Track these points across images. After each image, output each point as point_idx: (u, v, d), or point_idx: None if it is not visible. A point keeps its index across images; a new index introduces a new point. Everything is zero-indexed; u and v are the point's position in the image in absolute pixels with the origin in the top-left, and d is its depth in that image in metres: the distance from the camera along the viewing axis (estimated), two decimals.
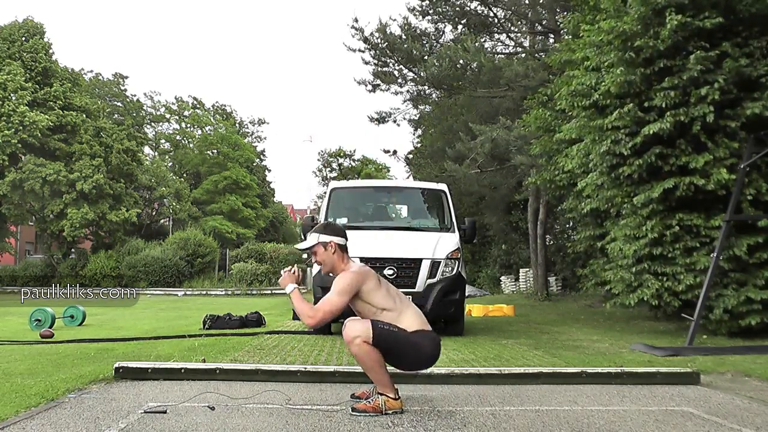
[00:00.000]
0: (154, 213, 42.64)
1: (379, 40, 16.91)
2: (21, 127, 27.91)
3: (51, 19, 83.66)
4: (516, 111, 16.42)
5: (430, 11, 17.82)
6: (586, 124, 8.89)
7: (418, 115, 23.72)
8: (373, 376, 3.53)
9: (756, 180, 7.65)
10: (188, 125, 48.67)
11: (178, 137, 48.80)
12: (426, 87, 18.13)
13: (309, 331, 8.37)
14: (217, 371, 4.54)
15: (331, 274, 3.77)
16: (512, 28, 19.08)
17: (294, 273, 3.70)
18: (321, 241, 3.70)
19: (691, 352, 6.54)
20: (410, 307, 3.71)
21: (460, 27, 17.86)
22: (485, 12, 18.03)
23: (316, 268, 8.35)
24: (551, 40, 17.61)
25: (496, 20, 18.36)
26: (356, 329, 3.47)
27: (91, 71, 43.42)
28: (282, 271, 3.76)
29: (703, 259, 7.58)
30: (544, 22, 17.54)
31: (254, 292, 27.08)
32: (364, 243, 7.59)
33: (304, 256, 3.93)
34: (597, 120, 8.55)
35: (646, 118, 7.89)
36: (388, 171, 49.27)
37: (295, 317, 11.16)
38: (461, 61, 15.48)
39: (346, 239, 3.78)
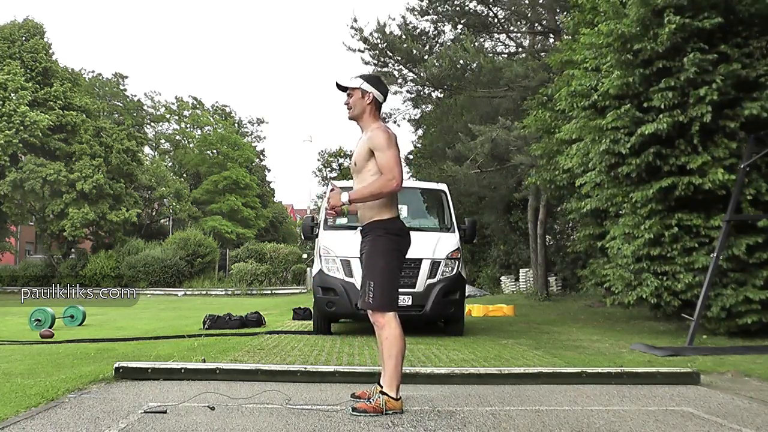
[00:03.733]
0: (154, 213, 42.66)
1: (378, 40, 16.89)
2: (22, 127, 27.94)
3: (51, 19, 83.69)
4: (516, 111, 16.41)
5: (430, 11, 17.82)
6: (586, 124, 8.90)
7: (418, 115, 23.73)
8: (390, 366, 3.49)
9: (756, 180, 7.65)
10: (188, 125, 48.68)
11: (178, 137, 48.82)
12: (426, 87, 18.12)
13: (309, 331, 8.37)
14: (217, 371, 4.54)
15: (356, 120, 3.75)
16: (512, 28, 19.08)
17: (333, 190, 3.68)
18: (363, 87, 3.69)
19: (691, 352, 6.54)
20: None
21: (459, 27, 17.85)
22: (485, 12, 18.03)
23: (316, 268, 8.36)
24: (551, 40, 17.61)
25: (495, 20, 18.35)
26: (386, 316, 3.51)
27: (92, 71, 43.52)
28: (328, 193, 3.67)
29: (702, 258, 7.59)
30: (544, 22, 17.54)
31: (254, 292, 27.10)
32: None
33: (344, 83, 3.73)
34: (596, 120, 8.55)
35: (645, 119, 7.90)
36: None
37: (296, 317, 11.14)
38: (461, 62, 15.47)
39: (385, 99, 3.77)
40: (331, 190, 3.71)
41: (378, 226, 3.60)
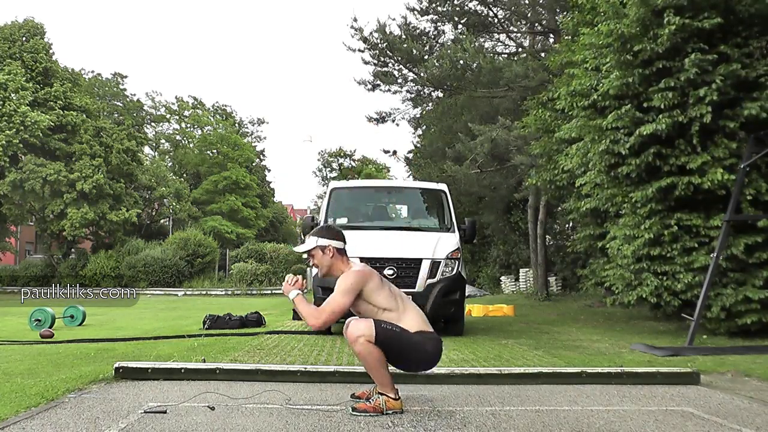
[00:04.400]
0: (154, 213, 42.65)
1: (378, 40, 16.90)
2: (22, 127, 27.94)
3: (51, 19, 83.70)
4: (516, 111, 16.42)
5: (430, 11, 17.82)
6: (586, 123, 8.90)
7: (418, 115, 23.73)
8: (374, 375, 3.53)
9: (756, 180, 7.65)
10: (188, 125, 48.69)
11: (178, 137, 48.82)
12: (426, 87, 18.13)
13: (309, 331, 8.37)
14: (217, 371, 4.54)
15: (328, 277, 3.76)
16: (512, 28, 19.08)
17: (297, 282, 3.69)
18: (319, 244, 3.69)
19: (691, 352, 6.54)
20: (412, 307, 3.70)
21: (459, 27, 17.85)
22: (485, 12, 18.03)
23: (315, 270, 8.36)
24: (551, 40, 17.61)
25: (495, 20, 18.35)
26: (359, 328, 3.47)
27: (92, 71, 43.49)
28: (287, 277, 3.73)
29: (702, 258, 7.59)
30: (544, 22, 17.53)
31: (254, 292, 27.10)
32: (364, 243, 7.59)
33: (304, 255, 3.91)
34: (596, 120, 8.56)
35: (645, 119, 7.90)
36: (388, 171, 49.37)
37: (296, 317, 11.16)
38: (461, 62, 15.48)
39: (345, 243, 3.77)
40: (292, 280, 3.72)
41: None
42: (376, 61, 17.64)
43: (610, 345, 7.38)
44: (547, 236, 19.07)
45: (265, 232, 47.19)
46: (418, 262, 7.83)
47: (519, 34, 19.31)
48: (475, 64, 15.53)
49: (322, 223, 8.59)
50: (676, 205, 8.02)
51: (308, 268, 29.97)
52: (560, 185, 11.98)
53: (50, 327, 9.52)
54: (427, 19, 18.11)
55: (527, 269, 20.69)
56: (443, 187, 9.46)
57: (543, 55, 16.24)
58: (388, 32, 16.78)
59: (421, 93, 19.62)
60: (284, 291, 3.70)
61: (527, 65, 15.06)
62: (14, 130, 27.78)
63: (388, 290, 3.63)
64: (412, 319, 3.59)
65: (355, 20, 16.97)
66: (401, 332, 3.50)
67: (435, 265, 7.90)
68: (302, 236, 9.52)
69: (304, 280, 3.77)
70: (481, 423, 3.35)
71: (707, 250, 7.64)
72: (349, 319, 3.67)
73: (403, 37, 16.94)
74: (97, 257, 30.49)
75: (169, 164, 47.36)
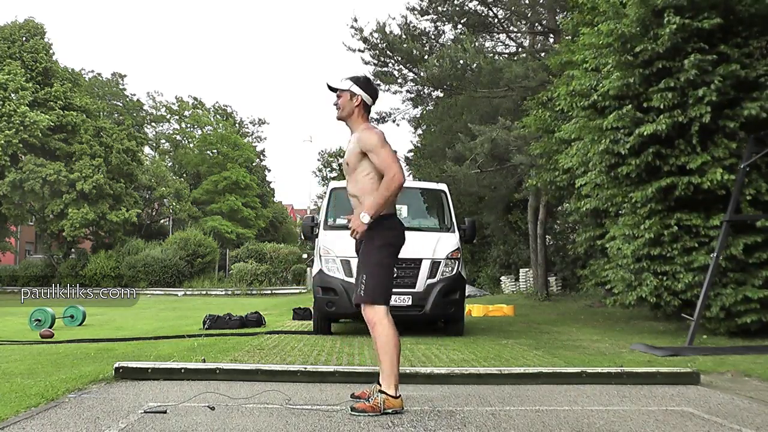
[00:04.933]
0: (154, 213, 42.68)
1: (378, 40, 16.90)
2: (22, 127, 27.94)
3: (51, 19, 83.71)
4: (516, 111, 16.42)
5: (430, 11, 17.81)
6: (586, 124, 8.90)
7: (418, 115, 23.73)
8: (386, 364, 3.49)
9: (756, 180, 7.65)
10: (188, 125, 48.68)
11: (178, 137, 48.81)
12: (426, 87, 18.13)
13: (309, 331, 8.38)
14: (217, 371, 4.54)
15: (342, 120, 3.81)
16: (512, 28, 19.08)
17: (350, 220, 3.70)
18: (352, 89, 3.72)
19: (691, 352, 6.54)
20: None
21: (459, 27, 17.85)
22: (485, 12, 18.03)
23: (316, 268, 8.36)
24: (551, 41, 17.60)
25: (495, 20, 18.35)
26: (378, 312, 3.52)
27: (92, 71, 43.48)
28: (350, 223, 3.70)
29: (702, 258, 7.59)
30: (544, 22, 17.54)
31: (254, 292, 27.11)
32: None
33: (334, 84, 3.79)
34: (596, 120, 8.56)
35: (645, 119, 7.90)
36: None
37: (295, 317, 11.15)
38: (461, 62, 15.47)
39: (374, 102, 3.81)
40: (348, 221, 3.73)
41: (373, 222, 3.61)
42: (376, 61, 17.63)
43: (610, 345, 7.38)
44: (547, 236, 19.07)
45: (265, 232, 47.20)
46: (418, 262, 7.83)
47: (519, 34, 19.31)
48: (475, 64, 15.53)
49: (322, 224, 8.58)
50: (676, 205, 8.02)
51: (308, 268, 29.91)
52: (560, 186, 11.98)
53: (50, 327, 9.53)
54: (427, 19, 18.11)
55: (527, 269, 20.69)
56: (443, 187, 9.45)
57: (543, 55, 16.23)
58: (388, 32, 16.78)
59: (421, 93, 19.61)
60: (357, 229, 3.62)
61: (527, 65, 15.06)
62: (14, 130, 27.79)
63: None
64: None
65: (356, 20, 16.98)
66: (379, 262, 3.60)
67: (435, 265, 7.90)
68: (302, 236, 9.51)
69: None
70: (481, 423, 3.35)
71: (707, 250, 7.63)
72: (362, 306, 3.63)
73: (403, 37, 16.94)
74: (97, 257, 30.50)
75: (169, 164, 47.36)
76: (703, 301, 7.19)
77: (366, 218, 3.56)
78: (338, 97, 3.77)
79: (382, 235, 3.65)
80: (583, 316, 12.31)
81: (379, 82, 18.22)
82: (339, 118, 3.83)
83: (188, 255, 30.19)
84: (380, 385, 3.55)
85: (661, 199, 8.04)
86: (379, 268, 3.63)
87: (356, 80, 3.77)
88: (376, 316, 3.54)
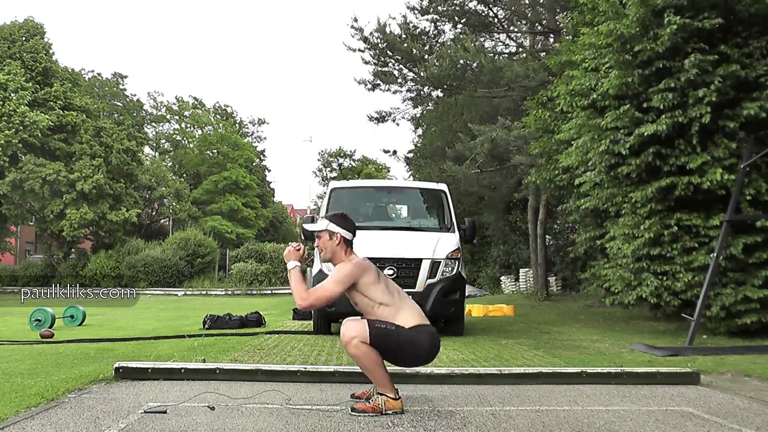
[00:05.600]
0: (154, 213, 42.67)
1: (378, 40, 16.90)
2: (22, 127, 27.94)
3: (51, 19, 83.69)
4: (516, 111, 16.42)
5: (430, 10, 17.82)
6: (585, 123, 8.90)
7: (418, 115, 23.73)
8: (372, 376, 3.52)
9: (756, 180, 7.66)
10: (188, 125, 48.67)
11: (178, 137, 48.81)
12: (426, 87, 18.13)
13: (309, 331, 8.37)
14: (217, 371, 4.54)
15: (328, 263, 3.82)
16: (512, 28, 19.08)
17: (299, 250, 3.70)
18: (329, 228, 3.73)
19: (691, 352, 6.54)
20: (408, 302, 3.71)
21: (459, 26, 17.85)
22: (485, 11, 18.03)
23: (316, 268, 8.35)
24: (551, 40, 17.60)
25: (495, 20, 18.35)
26: (353, 330, 3.47)
27: (92, 71, 43.45)
28: (289, 244, 3.74)
29: (702, 258, 7.59)
30: (544, 22, 17.53)
31: (254, 292, 27.11)
32: (364, 243, 7.56)
33: (311, 228, 3.89)
34: (596, 120, 8.56)
35: (645, 119, 7.90)
36: (388, 171, 49.33)
37: (296, 317, 11.16)
38: (461, 61, 15.47)
39: (354, 235, 3.79)
40: (296, 246, 3.76)
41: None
42: (376, 61, 17.64)
43: (610, 345, 7.38)
44: (547, 236, 19.06)
45: (265, 232, 47.17)
46: (418, 262, 7.83)
47: (519, 34, 19.31)
48: (475, 64, 15.53)
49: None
50: (676, 205, 8.02)
51: (308, 268, 30.00)
52: (560, 185, 11.98)
53: (50, 327, 9.52)
54: (427, 18, 18.12)
55: (527, 269, 20.68)
56: (443, 187, 9.45)
57: (543, 55, 16.23)
58: (388, 32, 16.78)
59: (421, 93, 19.62)
60: (285, 256, 3.70)
61: (527, 65, 15.05)
62: (14, 130, 27.77)
63: (384, 285, 3.64)
64: (409, 314, 3.60)
65: (356, 20, 16.98)
66: (396, 329, 3.50)
67: (435, 265, 7.89)
68: (302, 236, 9.52)
69: (306, 248, 3.78)
70: (481, 423, 3.35)
71: (707, 250, 7.64)
72: (345, 320, 3.67)
73: (403, 36, 16.94)
74: (97, 257, 30.49)
75: (169, 164, 47.35)
76: (703, 301, 7.19)
77: (290, 266, 3.65)
78: (318, 238, 3.78)
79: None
80: (583, 316, 12.31)
81: (379, 82, 18.24)
82: (323, 260, 3.86)
83: (188, 255, 30.18)
84: None
85: (661, 199, 8.04)
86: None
87: (332, 218, 3.79)
88: (345, 337, 3.51)
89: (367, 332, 3.44)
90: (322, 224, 3.76)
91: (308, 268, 26.87)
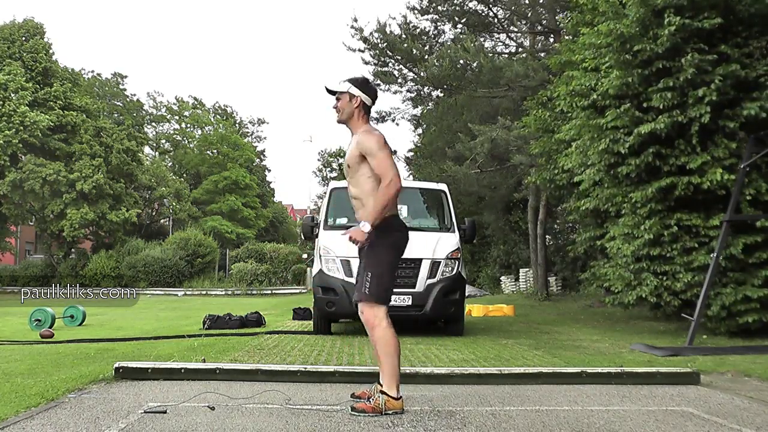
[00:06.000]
0: (154, 213, 42.66)
1: (378, 40, 16.90)
2: (22, 127, 27.93)
3: (51, 19, 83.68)
4: (516, 111, 16.41)
5: (430, 10, 17.82)
6: (585, 123, 8.90)
7: (418, 115, 23.74)
8: (387, 366, 3.49)
9: (756, 180, 7.65)
10: (188, 125, 48.67)
11: (178, 137, 48.80)
12: (426, 87, 18.13)
13: (309, 331, 8.38)
14: (217, 371, 4.54)
15: (343, 124, 3.78)
16: (512, 28, 19.08)
17: (348, 232, 3.63)
18: (350, 91, 3.70)
19: (691, 352, 6.54)
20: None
21: (459, 26, 17.85)
22: (485, 11, 18.03)
23: (316, 268, 8.36)
24: (551, 40, 17.60)
25: (495, 20, 18.35)
26: (378, 314, 3.51)
27: (92, 71, 43.47)
28: (349, 235, 3.62)
29: (702, 258, 7.59)
30: (544, 22, 17.53)
31: (254, 292, 27.11)
32: None
33: (333, 87, 3.80)
34: (596, 120, 8.56)
35: (645, 119, 7.90)
36: None
37: (296, 317, 11.15)
38: (461, 61, 15.48)
39: (374, 102, 3.78)
40: (345, 234, 3.67)
41: (380, 223, 3.60)
42: (376, 61, 17.64)
43: (610, 345, 7.38)
44: (547, 236, 19.07)
45: (265, 232, 47.19)
46: (418, 261, 7.83)
47: (519, 34, 19.31)
48: (475, 64, 15.54)
49: (322, 224, 8.58)
50: (676, 205, 8.02)
51: (308, 268, 29.91)
52: (560, 185, 11.98)
53: (50, 327, 9.52)
54: (427, 18, 18.12)
55: (527, 269, 20.69)
56: (443, 187, 9.45)
57: (543, 55, 16.23)
58: (388, 32, 16.78)
59: (421, 93, 19.62)
60: (358, 238, 3.55)
61: (527, 65, 15.06)
62: (14, 130, 27.77)
63: None
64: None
65: (356, 20, 16.98)
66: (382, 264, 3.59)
67: (435, 265, 7.89)
68: (302, 236, 9.51)
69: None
70: (481, 423, 3.35)
71: (707, 250, 7.64)
72: (360, 305, 3.63)
73: (403, 36, 16.94)
74: (97, 257, 30.48)
75: (169, 164, 47.35)
76: (703, 300, 7.19)
77: (367, 227, 3.53)
78: (337, 99, 3.75)
79: (389, 235, 3.64)
80: (583, 316, 12.31)
81: (379, 82, 18.22)
82: (339, 121, 3.80)
83: (188, 255, 30.17)
84: (381, 386, 3.55)
85: (661, 199, 8.04)
86: (384, 268, 3.62)
87: (354, 81, 3.75)
88: (376, 318, 3.53)
89: (384, 310, 3.54)
90: (344, 86, 3.72)
91: (308, 268, 26.69)
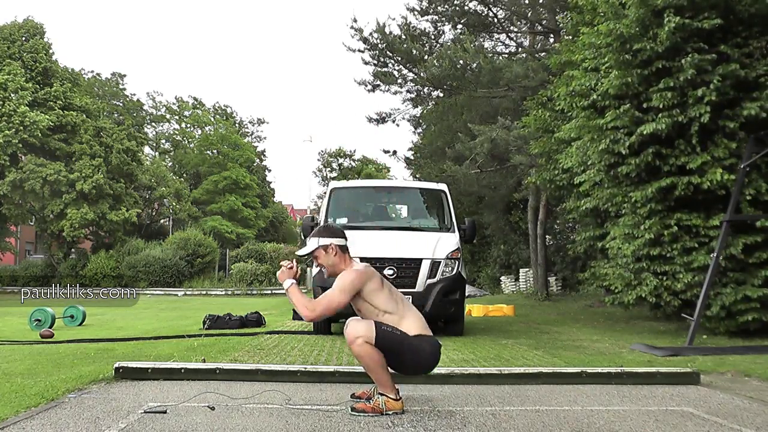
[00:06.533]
0: (154, 213, 42.66)
1: (378, 41, 16.91)
2: (21, 127, 27.92)
3: (51, 19, 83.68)
4: (516, 111, 16.42)
5: (430, 11, 17.82)
6: (585, 123, 8.90)
7: (417, 115, 23.73)
8: (374, 376, 3.52)
9: (756, 180, 7.65)
10: (188, 125, 48.68)
11: (178, 137, 48.81)
12: (426, 87, 18.13)
13: (309, 331, 8.37)
14: (217, 371, 4.54)
15: (334, 276, 3.75)
16: (512, 28, 19.08)
17: (292, 268, 3.67)
18: (321, 244, 3.70)
19: (691, 352, 6.54)
20: (412, 310, 3.68)
21: (459, 27, 17.85)
22: (485, 12, 18.03)
23: (315, 268, 8.36)
24: (551, 40, 17.60)
25: (495, 20, 18.35)
26: (359, 329, 3.47)
27: (92, 71, 43.44)
28: (282, 263, 3.72)
29: (702, 258, 7.59)
30: (544, 22, 17.54)
31: (254, 292, 27.10)
32: (364, 243, 7.59)
33: (303, 252, 3.91)
34: (596, 120, 8.56)
35: (645, 119, 7.90)
36: (388, 171, 49.31)
37: (296, 317, 11.15)
38: (461, 62, 15.48)
39: (346, 240, 3.78)
40: (287, 265, 3.71)
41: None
42: (376, 62, 17.64)
43: (610, 345, 7.38)
44: (547, 236, 19.07)
45: (265, 232, 47.17)
46: (418, 262, 7.83)
47: (519, 34, 19.31)
48: (475, 64, 15.54)
49: (322, 223, 8.59)
50: (676, 205, 8.02)
51: (308, 268, 29.95)
52: (560, 185, 11.99)
53: (50, 327, 9.52)
54: (427, 19, 18.13)
55: (527, 269, 20.69)
56: (443, 187, 9.45)
57: (543, 55, 16.23)
58: (387, 32, 16.78)
59: (421, 93, 19.61)
60: (279, 277, 3.70)
61: (527, 65, 15.06)
62: (14, 130, 27.77)
63: (388, 292, 3.62)
64: (412, 323, 3.58)
65: (355, 21, 16.99)
66: (401, 335, 3.49)
67: (435, 265, 7.90)
68: (302, 236, 9.51)
69: (299, 267, 3.76)
70: (481, 423, 3.35)
71: (707, 250, 7.64)
72: (349, 319, 3.66)
73: (403, 37, 16.94)
74: (97, 257, 30.47)
75: (169, 164, 47.35)
76: (703, 300, 7.19)
77: (285, 285, 3.61)
78: (316, 258, 3.76)
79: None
80: (583, 316, 12.30)
81: (379, 82, 18.25)
82: (329, 276, 3.81)
83: (188, 255, 30.16)
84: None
85: (661, 199, 8.04)
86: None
87: (318, 233, 3.77)
88: (351, 335, 3.50)
89: (374, 333, 3.44)
90: (312, 243, 3.75)
91: (308, 268, 26.75)
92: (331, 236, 3.73)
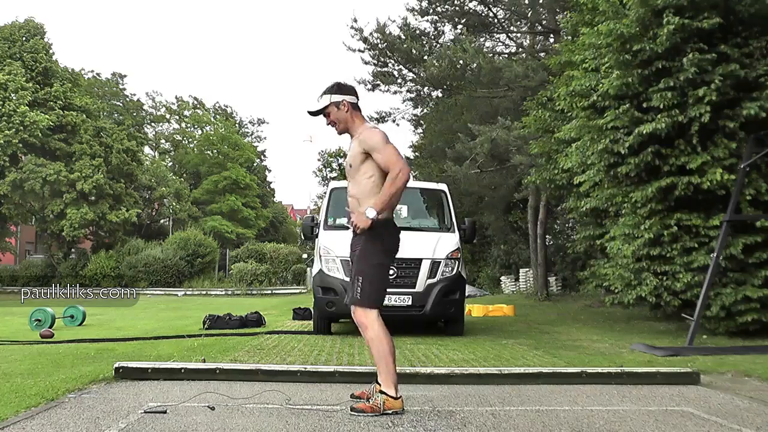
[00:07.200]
0: (154, 213, 42.67)
1: (378, 41, 16.90)
2: (22, 127, 27.94)
3: (51, 19, 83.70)
4: (516, 111, 16.41)
5: (430, 11, 17.80)
6: (585, 123, 8.90)
7: (418, 115, 23.73)
8: (382, 365, 3.51)
9: (756, 180, 7.65)
10: (188, 125, 48.68)
11: (178, 137, 48.80)
12: (426, 87, 18.12)
13: (309, 332, 8.38)
14: (217, 371, 4.54)
15: (345, 133, 3.77)
16: (512, 28, 19.08)
17: (352, 215, 3.64)
18: (333, 101, 3.69)
19: (691, 352, 6.54)
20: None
21: (459, 27, 17.85)
22: (485, 12, 18.03)
23: (316, 268, 8.36)
24: (551, 40, 17.60)
25: (495, 20, 18.35)
26: (370, 315, 3.53)
27: (92, 71, 43.43)
28: (353, 216, 3.63)
29: (702, 258, 7.59)
30: (544, 22, 17.53)
31: (254, 292, 27.10)
32: None
33: (315, 109, 3.76)
34: (596, 120, 8.56)
35: (645, 119, 7.90)
36: None
37: (296, 317, 11.14)
38: (461, 62, 15.47)
39: (358, 98, 3.77)
40: (349, 218, 3.69)
41: (374, 225, 3.60)
42: (375, 62, 17.62)
43: (610, 345, 7.38)
44: (547, 236, 19.07)
45: (265, 232, 47.19)
46: (418, 262, 7.83)
47: (519, 34, 19.30)
48: (474, 64, 15.53)
49: (322, 224, 8.58)
50: (676, 205, 8.02)
51: (308, 268, 29.91)
52: (560, 185, 11.99)
53: (50, 327, 9.52)
54: (426, 19, 18.10)
55: (527, 269, 20.69)
56: (443, 187, 9.45)
57: (543, 55, 16.24)
58: (387, 33, 16.77)
59: (421, 93, 19.60)
60: (360, 224, 3.56)
61: (527, 65, 15.06)
62: (14, 130, 27.78)
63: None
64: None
65: (355, 21, 16.97)
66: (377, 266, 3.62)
67: (435, 265, 7.89)
68: (302, 236, 9.50)
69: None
70: (481, 423, 3.35)
71: (707, 250, 7.63)
72: (353, 306, 3.65)
73: (403, 37, 16.93)
74: (97, 257, 30.48)
75: (169, 164, 47.36)
76: (703, 300, 7.19)
77: (371, 213, 3.53)
78: (327, 116, 3.74)
79: (381, 239, 3.65)
80: (583, 316, 12.30)
81: (379, 82, 18.22)
82: (340, 133, 3.80)
83: (188, 255, 30.17)
84: (380, 385, 3.55)
85: (661, 199, 8.04)
86: (375, 271, 3.64)
87: (330, 90, 3.74)
88: (368, 319, 3.56)
89: (376, 314, 3.56)
90: (324, 101, 3.71)
91: (308, 268, 26.68)
92: (342, 93, 3.71)
